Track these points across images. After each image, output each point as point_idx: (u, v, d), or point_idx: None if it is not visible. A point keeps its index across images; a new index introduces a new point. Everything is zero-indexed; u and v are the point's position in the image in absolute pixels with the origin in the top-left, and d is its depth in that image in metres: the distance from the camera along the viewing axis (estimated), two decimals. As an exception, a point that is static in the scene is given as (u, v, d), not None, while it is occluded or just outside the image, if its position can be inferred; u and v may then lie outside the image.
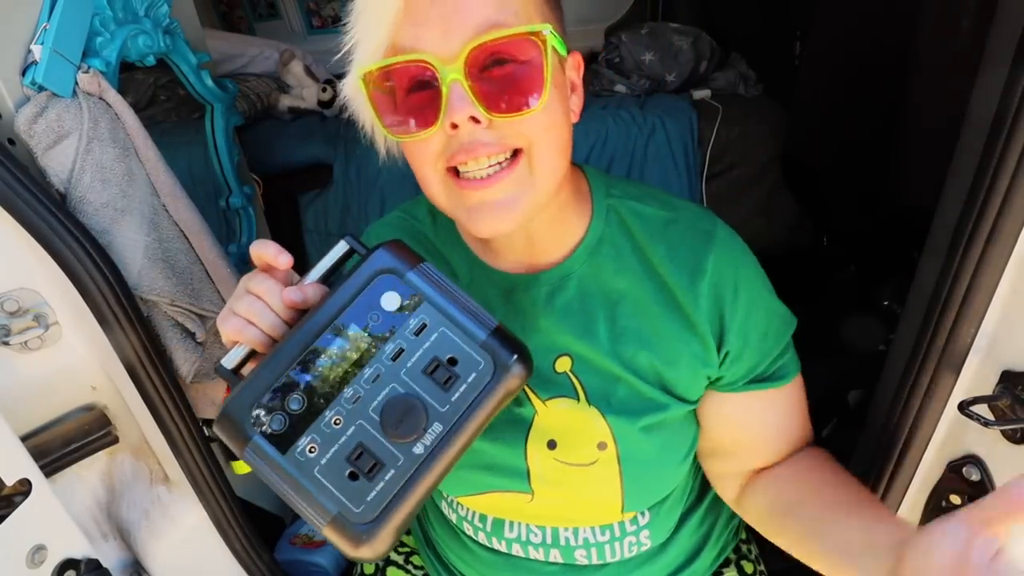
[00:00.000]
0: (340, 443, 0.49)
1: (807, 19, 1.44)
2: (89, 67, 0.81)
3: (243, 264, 1.28)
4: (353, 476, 0.49)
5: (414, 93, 0.54)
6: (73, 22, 0.79)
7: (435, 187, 0.58)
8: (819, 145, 1.50)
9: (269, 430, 0.49)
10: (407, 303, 0.51)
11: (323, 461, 0.49)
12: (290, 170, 1.81)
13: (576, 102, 0.63)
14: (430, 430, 0.49)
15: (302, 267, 0.54)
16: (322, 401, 0.50)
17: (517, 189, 0.56)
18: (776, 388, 0.69)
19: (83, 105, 0.79)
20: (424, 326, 0.51)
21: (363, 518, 0.48)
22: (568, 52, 0.60)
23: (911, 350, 0.74)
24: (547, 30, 0.53)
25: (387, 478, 0.48)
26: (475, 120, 0.52)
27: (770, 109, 1.67)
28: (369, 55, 0.54)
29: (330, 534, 0.49)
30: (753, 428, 0.72)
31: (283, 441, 0.49)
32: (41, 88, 0.75)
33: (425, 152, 0.56)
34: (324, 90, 1.90)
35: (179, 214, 0.92)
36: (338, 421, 0.49)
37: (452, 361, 0.50)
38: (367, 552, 0.48)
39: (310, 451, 0.49)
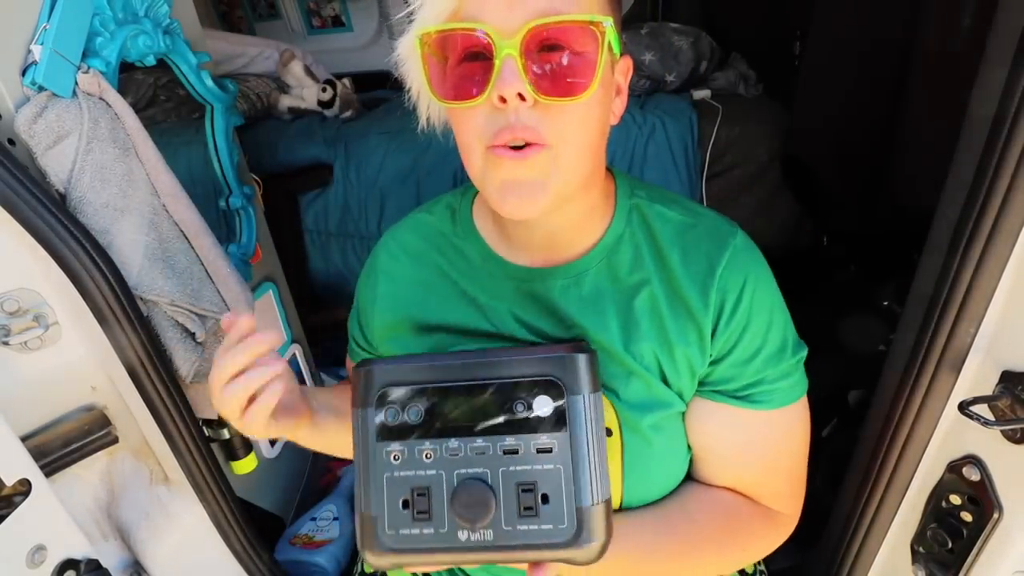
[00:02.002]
0: (415, 473, 0.51)
1: (807, 19, 1.44)
2: (89, 67, 0.81)
3: (243, 264, 1.28)
4: (405, 504, 0.51)
5: (467, 62, 0.55)
6: (73, 22, 0.79)
7: (476, 161, 0.59)
8: (819, 145, 1.50)
9: (382, 417, 0.52)
10: (553, 420, 0.50)
11: (395, 473, 0.51)
12: (290, 170, 1.81)
13: (619, 106, 0.63)
14: (481, 531, 0.50)
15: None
16: (431, 430, 0.52)
17: (543, 172, 0.57)
18: (744, 409, 0.66)
19: (83, 105, 0.79)
20: (549, 452, 0.50)
21: (386, 540, 0.51)
22: (621, 55, 0.61)
23: (911, 350, 0.74)
24: (608, 23, 0.53)
25: (424, 532, 0.50)
26: (521, 97, 0.53)
27: (770, 109, 1.67)
28: (432, 18, 0.55)
29: (358, 520, 0.52)
30: (709, 439, 0.69)
31: (384, 433, 0.52)
32: (41, 88, 0.75)
33: (470, 123, 0.57)
34: (324, 90, 1.90)
35: (179, 214, 0.92)
36: (428, 457, 0.51)
37: (545, 499, 0.50)
38: (368, 557, 0.51)
39: (394, 458, 0.52)
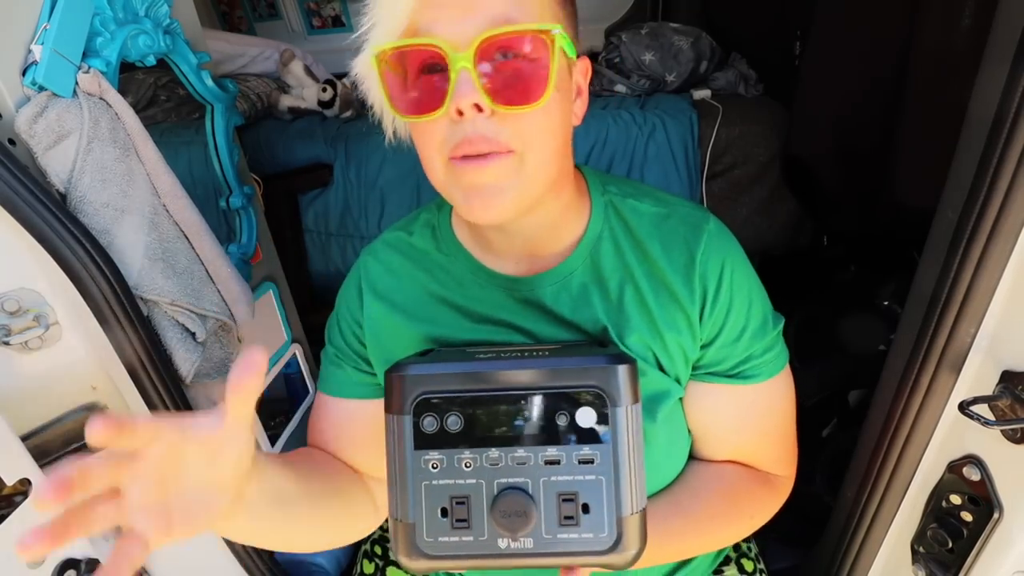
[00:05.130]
0: (455, 482, 0.51)
1: (807, 19, 1.44)
2: (89, 67, 0.81)
3: (243, 264, 1.28)
4: (444, 513, 0.51)
5: (424, 76, 0.56)
6: (73, 22, 0.79)
7: (438, 172, 0.60)
8: (819, 145, 1.50)
9: (420, 425, 0.51)
10: (595, 432, 0.50)
11: (434, 482, 0.51)
12: (290, 170, 1.81)
13: (580, 107, 0.64)
14: (521, 539, 0.50)
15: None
16: (471, 439, 0.51)
17: (506, 177, 0.57)
18: (737, 385, 0.69)
19: (83, 105, 0.79)
20: (591, 463, 0.50)
21: (423, 547, 0.50)
22: (578, 56, 0.62)
23: (911, 350, 0.74)
24: (557, 30, 0.54)
25: (463, 540, 0.50)
26: (478, 108, 0.54)
27: (770, 109, 1.67)
28: (385, 35, 0.56)
29: (393, 526, 0.52)
30: (707, 418, 0.72)
31: (422, 441, 0.51)
32: (41, 88, 0.75)
33: (431, 137, 0.57)
34: (324, 90, 1.90)
35: (179, 214, 0.92)
36: (468, 465, 0.51)
37: (586, 508, 0.50)
38: (404, 563, 0.51)
39: (432, 466, 0.51)
